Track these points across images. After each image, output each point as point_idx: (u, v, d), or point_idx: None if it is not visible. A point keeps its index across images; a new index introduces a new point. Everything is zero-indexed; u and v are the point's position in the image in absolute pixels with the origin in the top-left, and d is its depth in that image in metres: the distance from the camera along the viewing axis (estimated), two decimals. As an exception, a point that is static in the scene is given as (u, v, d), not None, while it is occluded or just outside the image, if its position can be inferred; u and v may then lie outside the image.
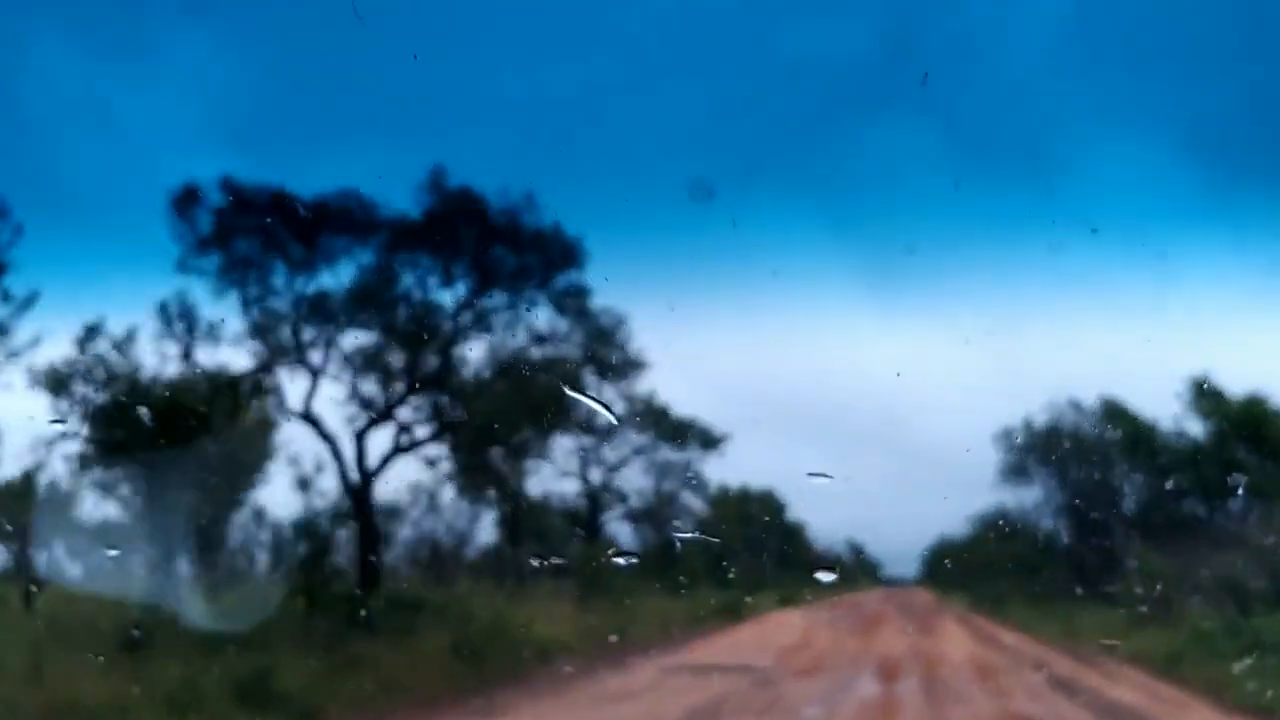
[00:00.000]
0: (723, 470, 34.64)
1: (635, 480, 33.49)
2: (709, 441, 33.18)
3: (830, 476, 9.11)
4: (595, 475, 32.83)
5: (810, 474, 9.36)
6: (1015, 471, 36.14)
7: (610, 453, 32.89)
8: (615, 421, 26.33)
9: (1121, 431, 28.87)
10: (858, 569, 44.68)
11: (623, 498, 33.81)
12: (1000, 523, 37.82)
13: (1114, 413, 28.93)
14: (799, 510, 36.18)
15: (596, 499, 32.82)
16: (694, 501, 36.54)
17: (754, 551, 42.56)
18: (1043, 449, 35.46)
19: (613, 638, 17.60)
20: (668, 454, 33.75)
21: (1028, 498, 36.86)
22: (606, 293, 17.34)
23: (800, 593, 39.66)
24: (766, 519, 39.86)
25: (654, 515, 35.76)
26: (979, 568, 37.27)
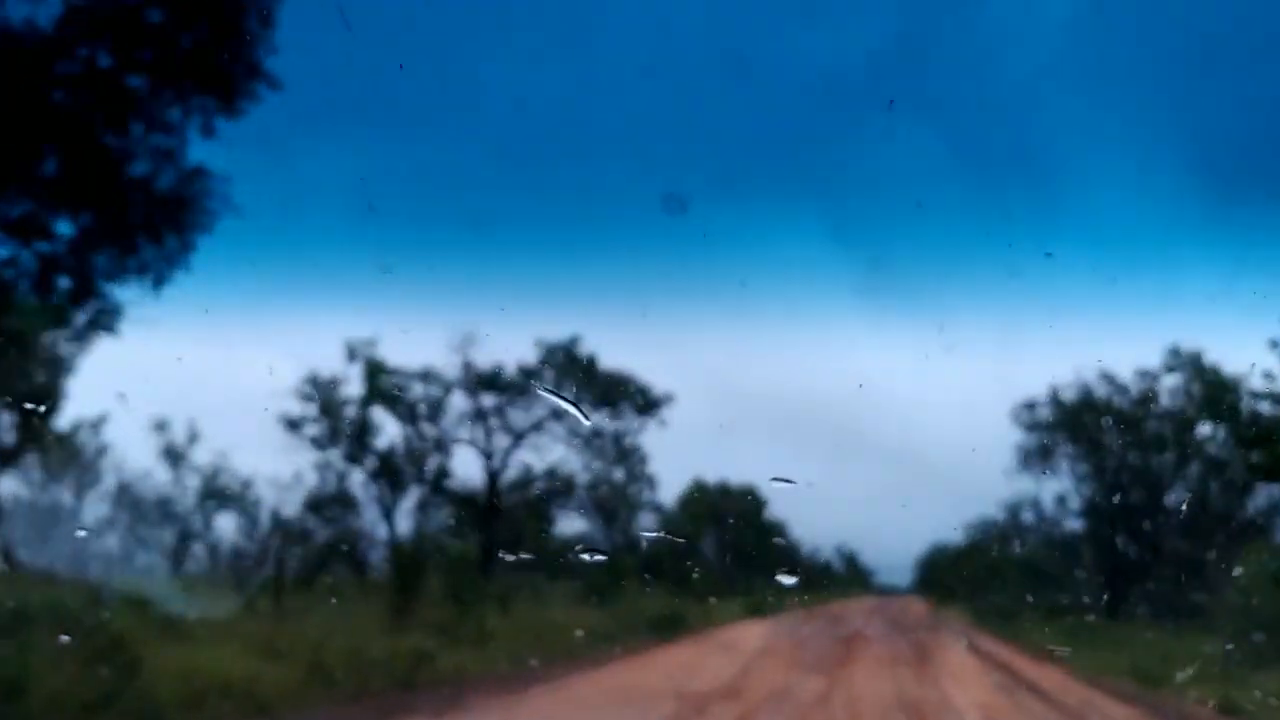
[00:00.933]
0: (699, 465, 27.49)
1: (556, 454, 25.85)
2: (648, 404, 25.59)
3: (793, 481, 8.61)
4: (499, 444, 25.29)
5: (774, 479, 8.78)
6: (1037, 455, 28.76)
7: (518, 416, 25.36)
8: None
9: (1197, 390, 21.38)
10: (848, 576, 38.69)
11: (538, 476, 26.16)
12: (1011, 522, 30.62)
13: (1187, 366, 21.41)
14: (784, 511, 30.21)
15: (496, 477, 25.28)
16: (636, 486, 28.73)
17: (726, 553, 35.86)
18: (1073, 426, 28.04)
19: (394, 677, 10.19)
20: (599, 420, 26.05)
21: (1049, 489, 29.50)
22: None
23: (773, 601, 32.69)
24: (744, 518, 33.68)
25: (596, 501, 27.96)
26: (984, 576, 30.66)
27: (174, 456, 23.45)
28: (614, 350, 22.39)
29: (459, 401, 25.00)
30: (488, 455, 25.12)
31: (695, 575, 33.54)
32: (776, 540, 36.49)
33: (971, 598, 32.71)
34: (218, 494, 20.65)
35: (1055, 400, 27.92)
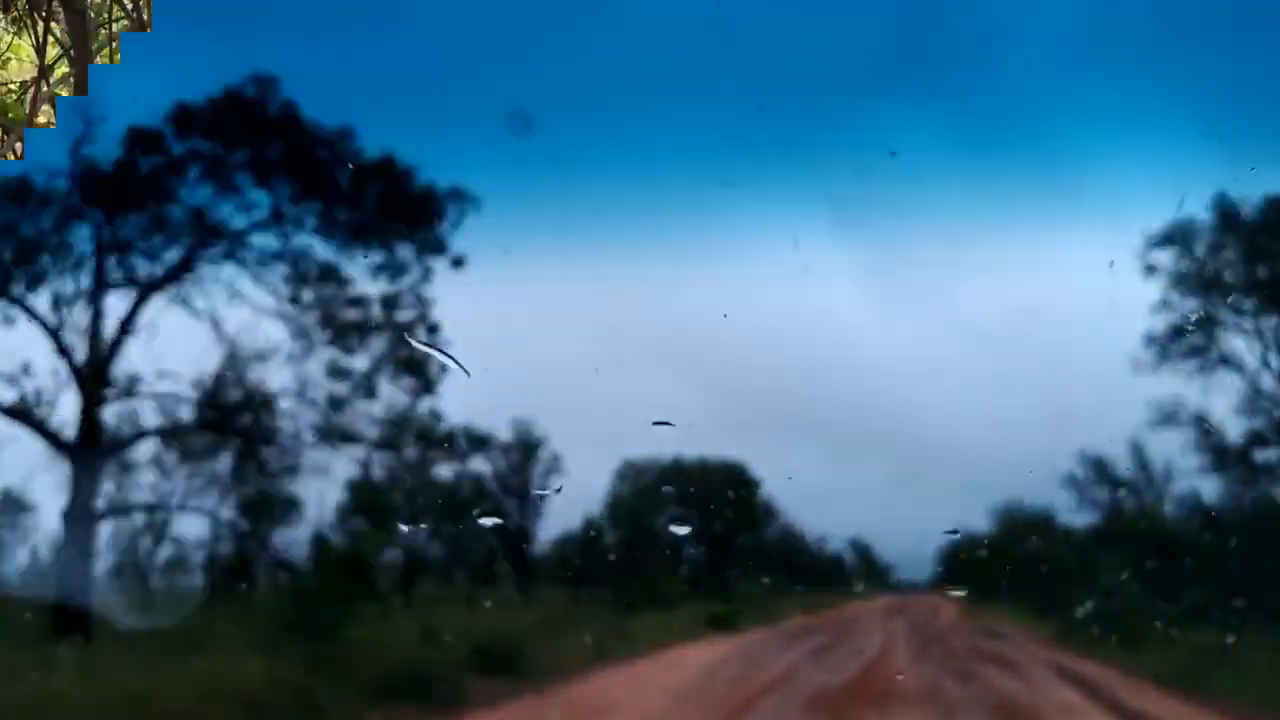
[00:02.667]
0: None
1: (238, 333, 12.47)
2: (414, 211, 12.20)
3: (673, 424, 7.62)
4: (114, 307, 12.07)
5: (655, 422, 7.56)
6: (1189, 336, 15.59)
7: (155, 243, 12.12)
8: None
9: None
10: (861, 571, 34.48)
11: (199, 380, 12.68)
12: (1103, 479, 20.99)
13: None
14: (781, 494, 26.54)
15: (98, 381, 12.03)
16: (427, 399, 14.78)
17: (696, 544, 27.38)
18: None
19: None
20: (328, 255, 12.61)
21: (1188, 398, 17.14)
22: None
23: (755, 608, 24.26)
24: (724, 500, 25.30)
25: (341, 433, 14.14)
26: (1046, 564, 22.10)
27: None
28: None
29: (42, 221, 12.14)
30: (89, 333, 12.01)
31: (632, 574, 23.14)
32: (770, 529, 29.01)
33: (1033, 599, 23.47)
34: None
35: (1226, 221, 14.81)
